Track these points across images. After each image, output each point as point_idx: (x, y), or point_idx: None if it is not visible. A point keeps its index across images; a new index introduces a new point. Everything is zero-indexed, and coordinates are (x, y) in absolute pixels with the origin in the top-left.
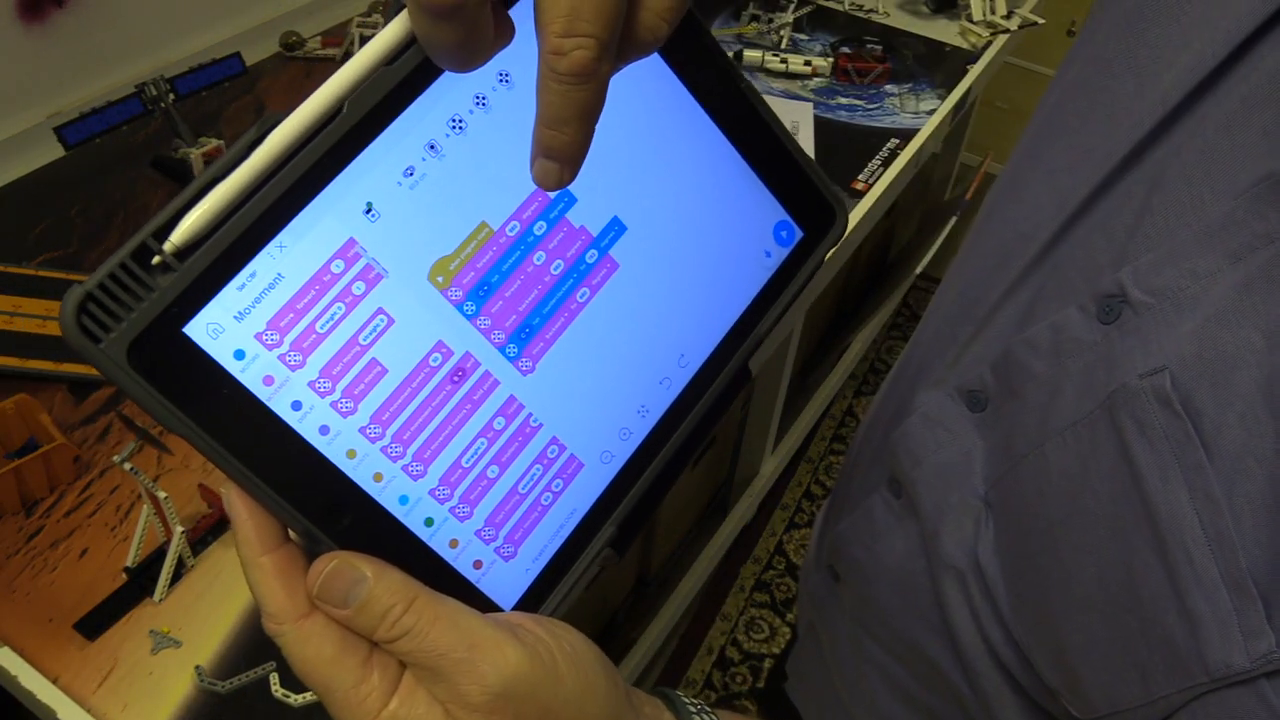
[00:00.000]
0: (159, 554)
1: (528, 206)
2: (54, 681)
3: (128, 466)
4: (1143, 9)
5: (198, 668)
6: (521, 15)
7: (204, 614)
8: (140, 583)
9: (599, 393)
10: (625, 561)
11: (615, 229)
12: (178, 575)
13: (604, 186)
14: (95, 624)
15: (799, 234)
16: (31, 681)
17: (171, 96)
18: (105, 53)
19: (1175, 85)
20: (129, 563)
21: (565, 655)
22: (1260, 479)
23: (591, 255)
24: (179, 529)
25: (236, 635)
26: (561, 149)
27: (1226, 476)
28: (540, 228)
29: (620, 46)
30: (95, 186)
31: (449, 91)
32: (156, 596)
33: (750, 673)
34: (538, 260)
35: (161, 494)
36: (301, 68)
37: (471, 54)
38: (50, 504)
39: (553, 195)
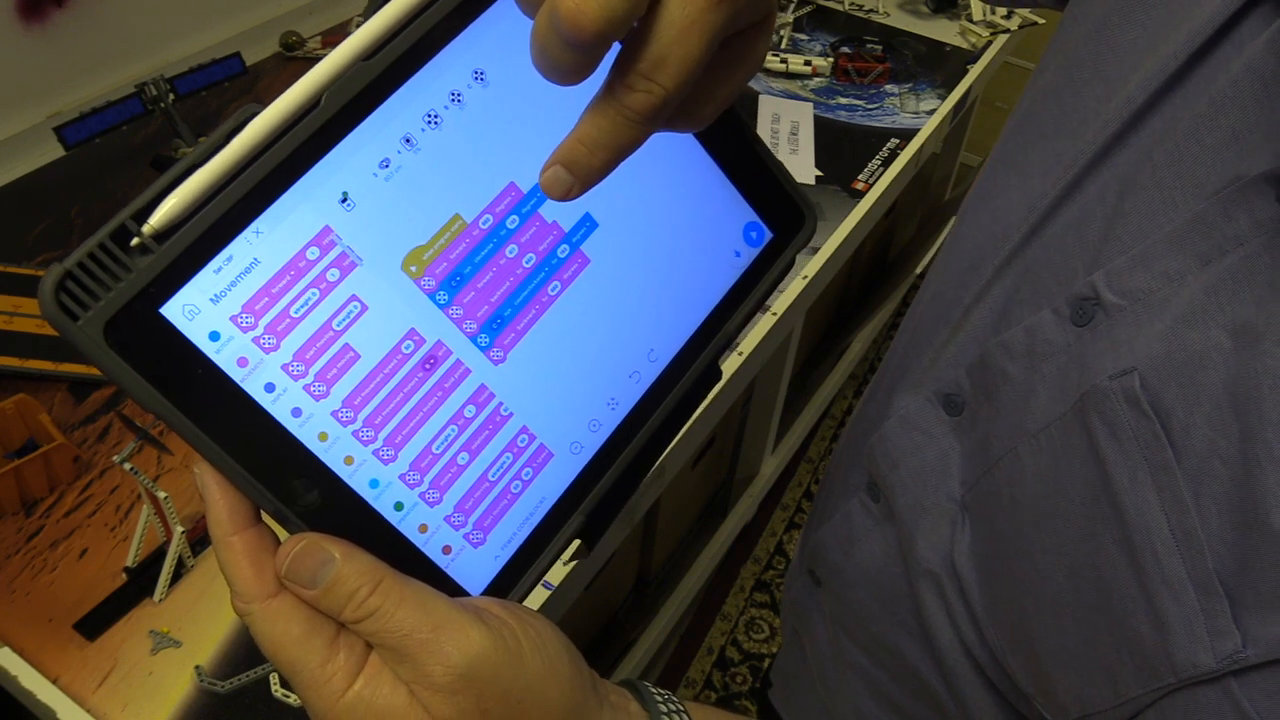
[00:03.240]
0: (159, 554)
1: (501, 200)
2: (54, 681)
3: (128, 466)
4: (1110, 16)
5: (198, 668)
6: (499, 17)
7: (204, 614)
8: (140, 583)
9: (569, 384)
10: (625, 561)
11: (587, 225)
12: (178, 575)
13: None
14: (95, 624)
15: (768, 235)
16: (31, 681)
17: (171, 96)
18: (105, 53)
19: (1141, 87)
20: (129, 563)
21: (530, 640)
22: (1226, 479)
23: (563, 250)
24: (179, 529)
25: (236, 635)
26: (584, 170)
27: (1194, 477)
28: (513, 221)
29: (675, 116)
30: (95, 186)
31: (425, 87)
32: (156, 596)
33: (750, 673)
34: (510, 253)
35: (161, 494)
36: (301, 67)
37: (583, 77)
38: (50, 504)
39: (525, 191)
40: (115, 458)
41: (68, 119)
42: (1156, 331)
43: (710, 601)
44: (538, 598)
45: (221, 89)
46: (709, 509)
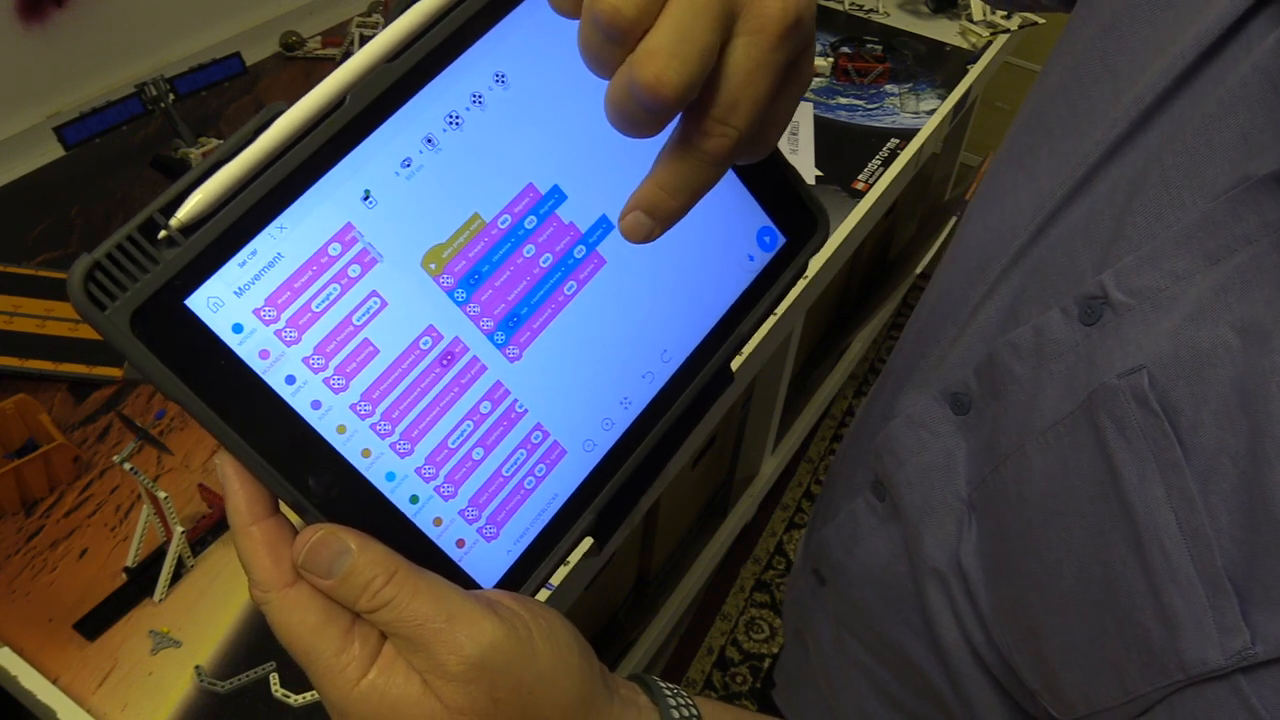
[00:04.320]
0: (159, 554)
1: (519, 201)
2: (54, 681)
3: (128, 466)
4: (1119, 17)
5: (198, 668)
6: (521, 21)
7: (204, 614)
8: (140, 583)
9: (583, 382)
10: (625, 561)
11: (603, 226)
12: (178, 575)
13: (594, 185)
14: (95, 624)
15: (781, 240)
16: (31, 681)
17: (171, 96)
18: (105, 53)
19: (1149, 88)
20: (129, 563)
21: (541, 632)
22: (1234, 477)
23: (580, 250)
24: (179, 529)
25: (236, 635)
26: (665, 213)
27: (1202, 474)
28: (531, 222)
29: (744, 150)
30: (95, 186)
31: (447, 89)
32: (156, 596)
33: (750, 673)
34: (527, 253)
35: (161, 494)
36: (301, 67)
37: (658, 132)
38: (50, 504)
39: (544, 191)
40: (115, 458)
41: (68, 119)
42: (1165, 330)
43: (710, 601)
44: (538, 598)
45: (221, 89)
46: (709, 509)
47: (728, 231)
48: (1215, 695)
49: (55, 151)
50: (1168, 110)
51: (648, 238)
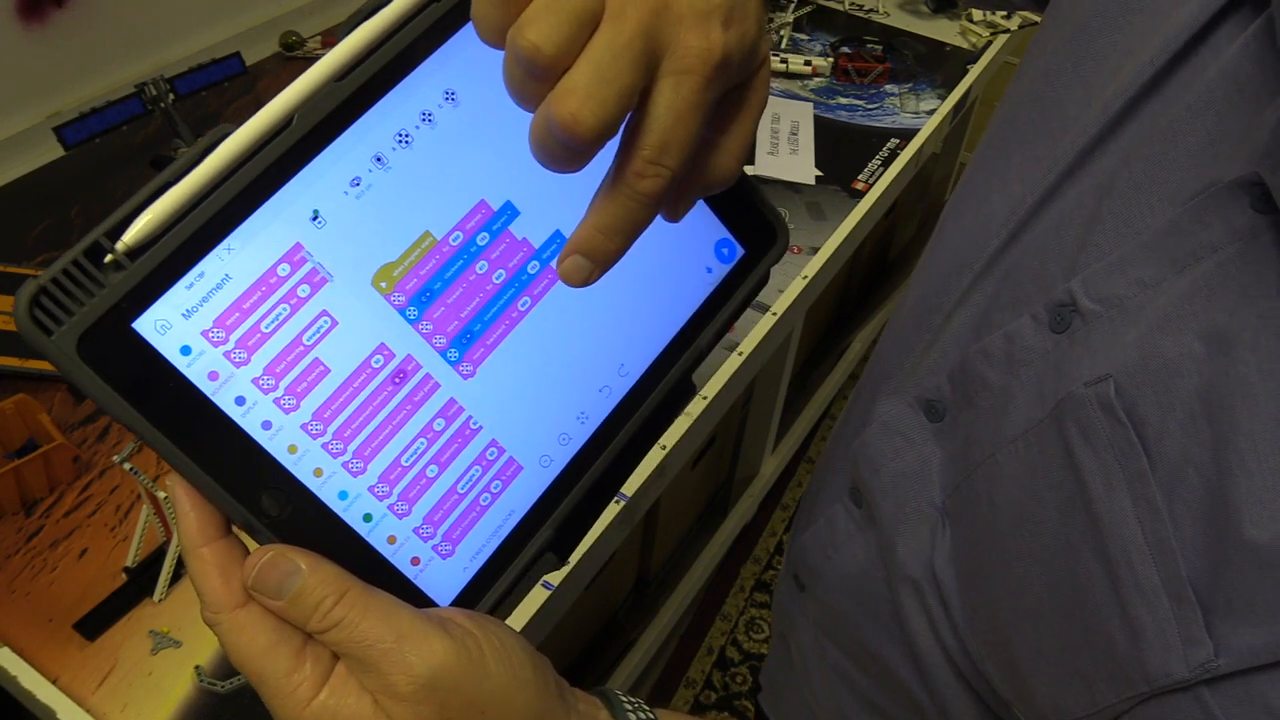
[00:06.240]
0: (159, 554)
1: (471, 218)
2: (54, 681)
3: (128, 466)
4: (1090, 21)
5: (198, 668)
6: (470, 39)
7: None
8: (140, 583)
9: (538, 398)
10: (625, 561)
11: (557, 242)
12: (177, 575)
13: (547, 201)
14: (95, 624)
15: (740, 251)
16: (31, 681)
17: (171, 96)
18: (105, 53)
19: (1118, 93)
20: (129, 563)
21: (493, 649)
22: (1199, 487)
23: (533, 266)
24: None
25: None
26: (603, 255)
27: (1167, 484)
28: (483, 239)
29: (693, 183)
30: (95, 186)
31: (396, 107)
32: (156, 596)
33: (750, 673)
34: (480, 269)
35: (161, 494)
36: (301, 68)
37: (581, 167)
38: (50, 504)
39: (496, 208)
40: (115, 458)
41: (68, 119)
42: (1132, 338)
43: (710, 601)
44: (537, 598)
45: (221, 89)
46: (709, 509)
47: (685, 245)
48: (1179, 706)
49: (55, 151)
50: (1137, 115)
51: (586, 281)
